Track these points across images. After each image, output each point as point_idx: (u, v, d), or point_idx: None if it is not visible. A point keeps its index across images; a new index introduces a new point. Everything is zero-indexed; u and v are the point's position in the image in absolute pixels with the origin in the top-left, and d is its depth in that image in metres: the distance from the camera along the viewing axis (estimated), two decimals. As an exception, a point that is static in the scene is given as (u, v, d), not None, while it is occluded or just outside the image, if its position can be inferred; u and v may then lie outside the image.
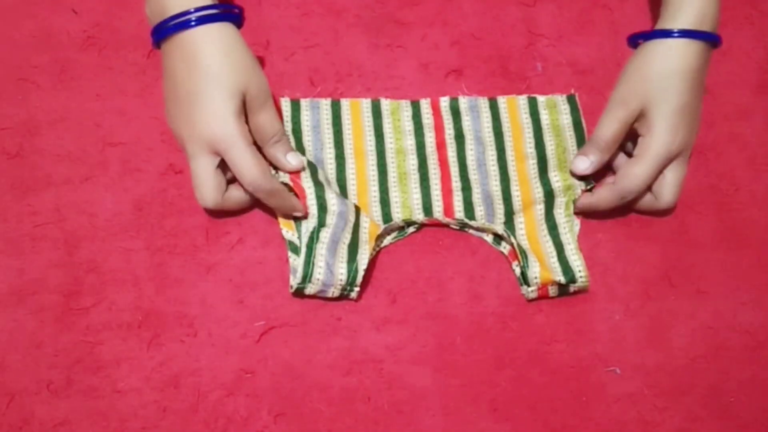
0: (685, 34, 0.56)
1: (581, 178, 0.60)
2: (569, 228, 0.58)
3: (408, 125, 0.62)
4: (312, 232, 0.56)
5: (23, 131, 0.61)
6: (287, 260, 0.57)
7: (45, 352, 0.55)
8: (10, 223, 0.58)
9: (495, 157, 0.61)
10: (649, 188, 0.58)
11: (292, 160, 0.57)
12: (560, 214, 0.59)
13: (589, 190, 0.60)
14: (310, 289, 0.55)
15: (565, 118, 0.63)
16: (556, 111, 0.63)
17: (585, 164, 0.58)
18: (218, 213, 0.58)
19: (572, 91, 0.64)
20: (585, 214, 0.60)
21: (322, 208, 0.57)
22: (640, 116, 0.57)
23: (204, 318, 0.56)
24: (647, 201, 0.59)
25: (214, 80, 0.52)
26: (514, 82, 0.65)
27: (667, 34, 0.56)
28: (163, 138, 0.61)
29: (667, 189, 0.58)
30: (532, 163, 0.61)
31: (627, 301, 0.58)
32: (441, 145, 0.62)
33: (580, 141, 0.62)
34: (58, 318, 0.56)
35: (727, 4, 0.68)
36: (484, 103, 0.63)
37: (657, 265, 0.59)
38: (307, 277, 0.55)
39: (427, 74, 0.65)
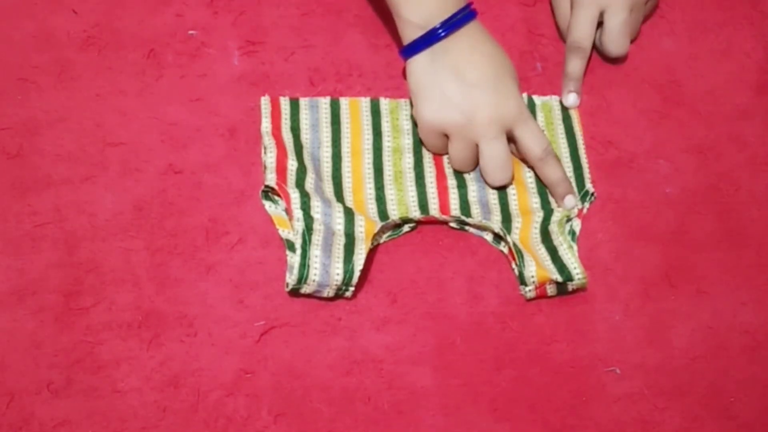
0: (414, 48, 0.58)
1: (580, 188, 0.60)
2: (560, 232, 0.58)
3: (406, 124, 0.62)
4: (303, 235, 0.56)
5: (23, 131, 0.61)
6: (287, 261, 0.58)
7: (45, 352, 0.55)
8: (10, 223, 0.58)
9: None
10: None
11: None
12: (554, 226, 0.59)
13: (588, 200, 0.60)
14: (305, 290, 0.55)
15: (559, 127, 0.63)
16: (551, 116, 0.63)
17: (572, 99, 0.64)
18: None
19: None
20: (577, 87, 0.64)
21: (308, 214, 0.57)
22: None
23: (204, 318, 0.56)
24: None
25: (504, 66, 0.59)
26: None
27: None
28: (163, 138, 0.61)
29: (608, 36, 0.64)
30: (527, 168, 0.61)
31: (627, 301, 0.58)
32: None
33: (573, 150, 0.62)
34: (58, 318, 0.56)
35: (727, 4, 0.68)
36: None
37: (657, 265, 0.59)
38: (302, 278, 0.55)
39: (427, 74, 0.64)
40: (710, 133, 0.64)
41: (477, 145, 0.58)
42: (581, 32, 0.63)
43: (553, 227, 0.59)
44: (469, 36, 0.58)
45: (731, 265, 0.60)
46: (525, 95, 0.64)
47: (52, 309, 0.56)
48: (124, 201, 0.59)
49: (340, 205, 0.58)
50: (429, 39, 0.57)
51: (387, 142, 0.62)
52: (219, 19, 0.66)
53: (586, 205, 0.61)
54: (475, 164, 0.60)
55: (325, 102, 0.63)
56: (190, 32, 0.64)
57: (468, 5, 0.58)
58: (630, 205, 0.61)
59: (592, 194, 0.61)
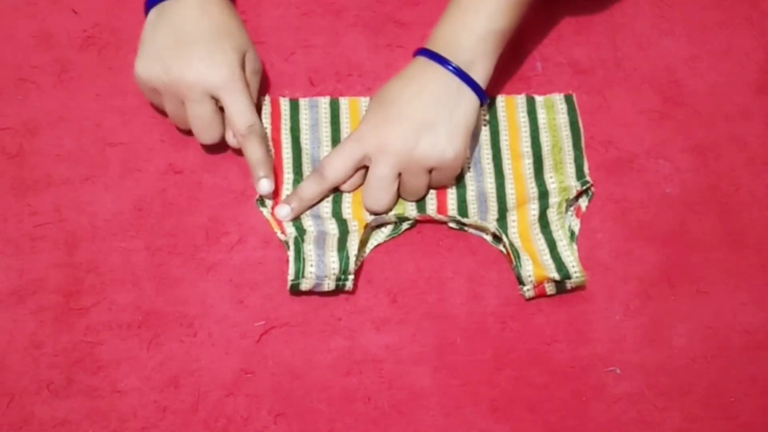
0: (428, 54, 0.57)
1: (579, 177, 0.60)
2: (561, 225, 0.58)
3: None
4: (296, 239, 0.56)
5: (23, 131, 0.61)
6: (287, 260, 0.58)
7: (45, 352, 0.55)
8: (10, 223, 0.58)
9: (490, 156, 0.61)
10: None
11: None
12: (553, 212, 0.59)
13: (585, 191, 0.60)
14: (305, 285, 0.55)
15: (562, 118, 0.63)
16: (553, 111, 0.63)
17: (284, 211, 0.58)
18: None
19: (570, 92, 0.64)
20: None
21: (300, 228, 0.57)
22: None
23: (204, 318, 0.56)
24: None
25: (225, 33, 0.56)
26: (514, 82, 0.65)
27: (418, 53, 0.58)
28: (163, 138, 0.61)
29: (365, 187, 0.58)
30: (528, 163, 0.61)
31: (627, 301, 0.58)
32: None
33: (576, 140, 0.62)
34: (58, 318, 0.56)
35: (727, 4, 0.68)
36: None
37: (657, 265, 0.59)
38: (299, 272, 0.55)
39: (427, 74, 0.64)
40: (710, 133, 0.64)
41: (186, 105, 0.57)
42: (332, 163, 0.57)
43: (552, 215, 0.58)
44: None
45: (731, 265, 0.60)
46: (524, 95, 0.64)
47: (52, 309, 0.56)
48: (124, 201, 0.59)
49: (333, 219, 0.58)
50: None
51: None
52: (219, 19, 0.66)
53: (585, 202, 0.61)
54: (185, 125, 0.59)
55: (324, 102, 0.63)
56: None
57: None
58: (630, 205, 0.61)
59: (590, 186, 0.60)
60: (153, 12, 0.57)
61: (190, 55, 0.55)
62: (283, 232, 0.58)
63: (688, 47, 0.67)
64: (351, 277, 0.56)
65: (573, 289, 0.58)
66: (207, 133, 0.58)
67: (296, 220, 0.58)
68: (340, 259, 0.55)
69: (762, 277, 0.60)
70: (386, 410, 0.55)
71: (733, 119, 0.65)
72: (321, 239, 0.56)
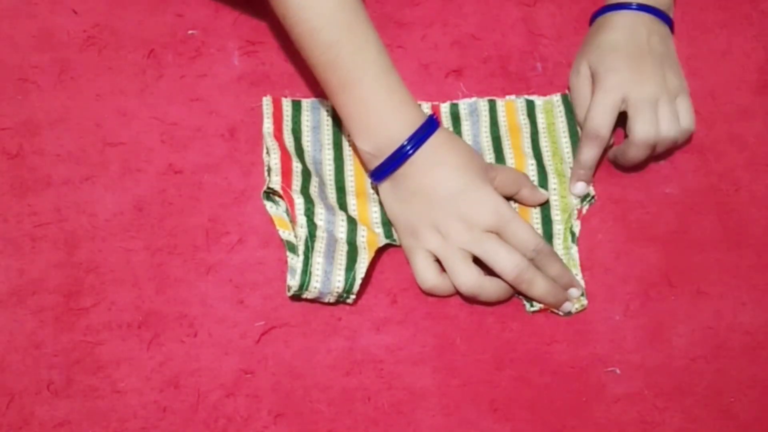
0: (647, 9, 0.61)
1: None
2: (566, 255, 0.58)
3: None
4: (306, 241, 0.56)
5: (23, 131, 0.61)
6: (287, 260, 0.57)
7: (45, 352, 0.55)
8: (10, 223, 0.58)
9: (493, 160, 0.61)
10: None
11: (542, 192, 0.60)
12: (558, 244, 0.59)
13: (588, 201, 0.60)
14: (306, 296, 0.55)
15: (561, 123, 0.63)
16: (552, 115, 0.63)
17: (580, 188, 0.60)
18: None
19: (566, 91, 0.64)
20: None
21: (311, 221, 0.57)
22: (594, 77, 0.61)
23: (204, 318, 0.56)
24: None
25: (472, 171, 0.55)
26: (514, 82, 0.65)
27: (629, 6, 0.61)
28: (163, 138, 0.61)
29: (681, 116, 0.60)
30: (531, 164, 0.61)
31: (627, 301, 0.58)
32: None
33: (574, 142, 0.62)
34: (58, 318, 0.56)
35: (727, 4, 0.68)
36: (483, 106, 0.63)
37: (657, 266, 0.59)
38: (304, 285, 0.55)
39: (427, 74, 0.65)
40: (710, 133, 0.64)
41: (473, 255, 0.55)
42: (599, 120, 0.59)
43: (558, 248, 0.59)
44: (432, 152, 0.55)
45: (731, 265, 0.60)
46: (524, 97, 0.64)
47: (52, 309, 0.56)
48: (124, 201, 0.59)
49: (343, 213, 0.58)
50: (386, 170, 0.56)
51: None
52: (219, 19, 0.66)
53: (586, 206, 0.61)
54: (481, 278, 0.55)
55: (327, 103, 0.63)
56: (190, 32, 0.64)
57: (430, 120, 0.55)
58: (630, 205, 0.61)
59: (593, 196, 0.61)
60: (386, 186, 0.57)
61: (453, 206, 0.54)
62: (292, 220, 0.57)
63: (688, 47, 0.67)
64: (353, 296, 0.56)
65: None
66: (510, 262, 0.54)
67: (309, 210, 0.57)
68: (347, 280, 0.55)
69: (762, 277, 0.60)
70: (386, 410, 0.55)
71: (733, 119, 0.65)
72: (331, 249, 0.56)
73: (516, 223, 0.55)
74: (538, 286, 0.55)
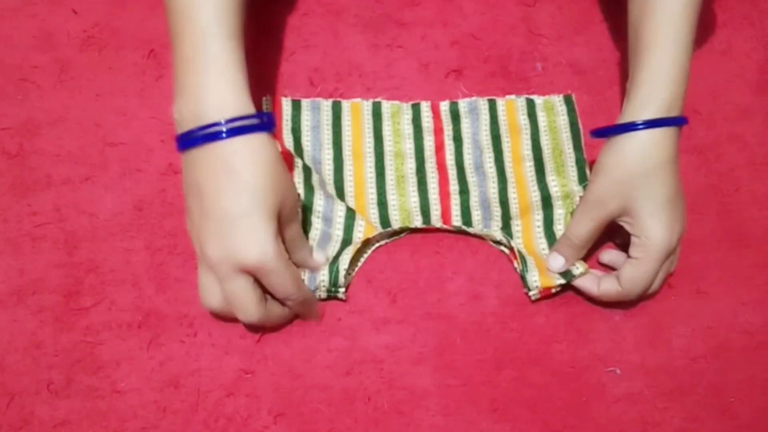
0: (654, 123, 0.52)
1: (581, 180, 0.60)
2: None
3: (408, 129, 0.62)
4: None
5: (23, 131, 0.61)
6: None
7: (45, 352, 0.55)
8: (10, 223, 0.58)
9: (492, 159, 0.62)
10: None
11: (318, 257, 0.56)
12: (560, 230, 0.59)
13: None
14: None
15: (562, 120, 0.63)
16: (553, 113, 0.63)
17: (559, 264, 0.57)
18: (258, 328, 0.55)
19: (569, 92, 0.64)
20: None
21: (308, 209, 0.57)
22: (624, 215, 0.54)
23: (204, 318, 0.56)
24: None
25: (255, 201, 0.48)
26: (514, 82, 0.65)
27: (635, 126, 0.53)
28: (163, 138, 0.61)
29: (657, 282, 0.56)
30: (529, 165, 0.61)
31: (627, 301, 0.58)
32: (439, 149, 0.62)
33: (576, 142, 0.62)
34: (58, 318, 0.56)
35: (727, 4, 0.68)
36: (483, 104, 0.63)
37: (657, 265, 0.59)
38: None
39: (427, 74, 0.65)
40: (710, 133, 0.64)
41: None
42: (642, 287, 0.55)
43: (558, 230, 0.59)
44: (249, 149, 0.48)
45: (731, 265, 0.60)
46: (524, 96, 0.64)
47: (52, 309, 0.56)
48: (124, 201, 0.59)
49: (343, 204, 0.58)
50: (205, 137, 0.48)
51: (388, 147, 0.62)
52: (219, 19, 0.66)
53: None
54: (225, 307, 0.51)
55: (326, 104, 0.63)
56: (190, 32, 0.64)
57: (260, 116, 0.49)
58: (630, 205, 0.61)
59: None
60: (185, 157, 0.50)
61: (208, 228, 0.49)
62: None
63: (688, 47, 0.67)
64: (342, 289, 0.56)
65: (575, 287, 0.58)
66: (246, 313, 0.51)
67: (308, 199, 0.58)
68: (330, 272, 0.55)
69: (762, 277, 0.60)
70: (386, 410, 0.55)
71: (733, 119, 0.65)
72: (323, 244, 0.56)
73: (277, 275, 0.49)
74: (296, 309, 0.54)
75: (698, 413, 0.56)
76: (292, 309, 0.54)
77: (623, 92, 0.65)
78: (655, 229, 0.53)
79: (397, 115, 0.63)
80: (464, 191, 0.60)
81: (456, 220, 0.59)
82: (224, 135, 0.48)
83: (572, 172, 0.61)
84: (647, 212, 0.53)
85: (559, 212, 0.59)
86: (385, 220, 0.59)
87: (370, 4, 0.67)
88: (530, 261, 0.57)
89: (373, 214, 0.59)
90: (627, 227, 0.55)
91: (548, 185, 0.60)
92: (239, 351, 0.56)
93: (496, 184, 0.61)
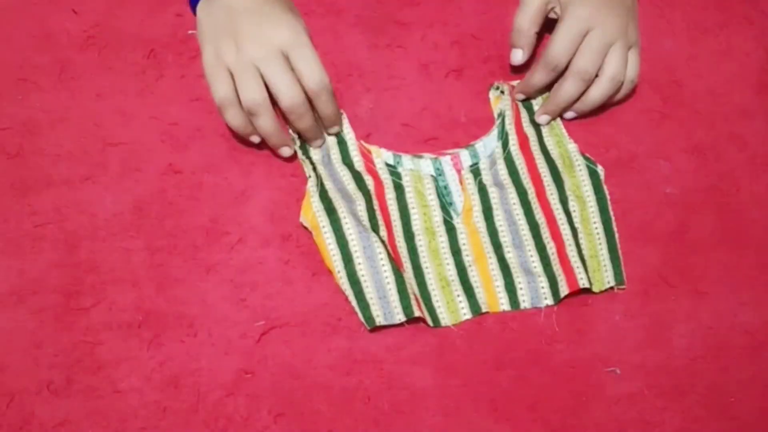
0: None
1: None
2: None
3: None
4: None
5: (23, 131, 0.61)
6: (287, 261, 0.58)
7: (45, 352, 0.55)
8: (10, 223, 0.58)
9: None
10: (592, 72, 0.59)
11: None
12: (577, 222, 0.59)
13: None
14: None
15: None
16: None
17: (518, 56, 0.61)
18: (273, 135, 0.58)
19: (599, 168, 0.61)
20: (529, 95, 0.62)
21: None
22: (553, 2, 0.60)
23: (204, 318, 0.56)
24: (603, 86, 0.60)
25: (279, 3, 0.57)
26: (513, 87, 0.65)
27: None
28: (163, 138, 0.61)
29: (629, 66, 0.60)
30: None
31: (627, 301, 0.58)
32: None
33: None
34: (58, 318, 0.56)
35: (727, 4, 0.68)
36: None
37: (657, 266, 0.59)
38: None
39: (427, 74, 0.65)
40: (710, 133, 0.64)
41: (261, 73, 0.56)
42: (561, 49, 0.58)
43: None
44: None
45: (731, 265, 0.60)
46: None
47: (52, 309, 0.56)
48: (124, 201, 0.59)
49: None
50: None
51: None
52: (219, 19, 0.66)
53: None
54: (268, 106, 0.56)
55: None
56: (190, 32, 0.64)
57: None
58: (630, 205, 0.61)
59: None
60: (202, 5, 0.58)
61: (256, 21, 0.56)
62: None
63: (688, 47, 0.67)
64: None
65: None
66: (290, 91, 0.56)
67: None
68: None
69: (762, 277, 0.60)
70: (386, 410, 0.55)
71: (733, 119, 0.65)
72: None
73: (308, 51, 0.56)
74: (304, 122, 0.57)
75: (698, 413, 0.56)
76: (316, 103, 0.57)
77: (623, 92, 0.65)
78: (568, 5, 0.59)
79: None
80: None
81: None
82: None
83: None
84: None
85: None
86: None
87: (370, 4, 0.67)
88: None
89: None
90: (556, 15, 0.60)
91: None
92: (239, 351, 0.56)
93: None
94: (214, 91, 0.56)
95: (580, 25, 0.58)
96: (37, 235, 0.58)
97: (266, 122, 0.56)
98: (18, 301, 0.56)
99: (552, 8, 0.61)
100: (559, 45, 0.58)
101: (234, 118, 0.57)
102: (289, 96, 0.55)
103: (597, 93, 0.60)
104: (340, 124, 0.60)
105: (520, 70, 0.64)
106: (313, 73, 0.56)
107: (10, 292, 0.56)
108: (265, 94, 0.56)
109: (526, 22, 0.60)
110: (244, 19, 0.56)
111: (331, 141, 0.61)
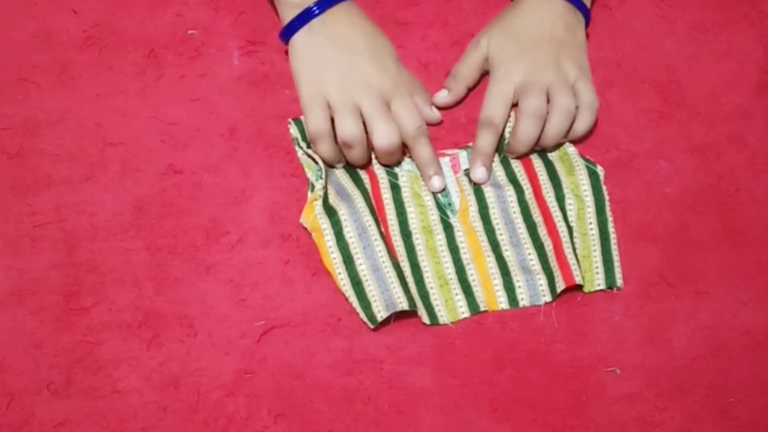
0: None
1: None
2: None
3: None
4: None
5: (23, 131, 0.61)
6: (287, 261, 0.58)
7: (45, 352, 0.55)
8: (10, 223, 0.58)
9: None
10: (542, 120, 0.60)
11: (436, 110, 0.63)
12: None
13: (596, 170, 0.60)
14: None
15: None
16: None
17: (443, 95, 0.63)
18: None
19: (599, 169, 0.61)
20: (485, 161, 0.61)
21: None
22: (489, 55, 0.62)
23: (204, 318, 0.56)
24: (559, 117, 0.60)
25: (382, 43, 0.60)
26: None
27: None
28: (163, 138, 0.61)
29: (580, 95, 0.61)
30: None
31: (627, 301, 0.58)
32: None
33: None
34: (58, 318, 0.56)
35: (727, 4, 0.68)
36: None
37: (657, 266, 0.59)
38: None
39: (427, 74, 0.65)
40: (710, 133, 0.64)
41: (361, 116, 0.58)
42: (492, 109, 0.60)
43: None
44: (346, 12, 0.60)
45: (731, 265, 0.60)
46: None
47: (52, 309, 0.56)
48: (124, 201, 0.59)
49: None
50: (304, 17, 0.59)
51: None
52: (219, 19, 0.66)
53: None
54: (365, 141, 0.58)
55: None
56: (190, 32, 0.64)
57: None
58: (630, 205, 0.61)
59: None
60: (301, 35, 0.60)
61: (361, 61, 0.58)
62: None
63: (688, 47, 0.67)
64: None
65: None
66: (389, 134, 0.57)
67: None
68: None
69: (762, 277, 0.60)
70: (386, 410, 0.55)
71: (733, 119, 0.65)
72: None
73: (409, 100, 0.59)
74: (427, 149, 0.59)
75: (698, 413, 0.56)
76: (413, 147, 0.59)
77: (623, 92, 0.65)
78: (501, 53, 0.61)
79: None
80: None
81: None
82: (316, 12, 0.59)
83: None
84: (498, 42, 0.62)
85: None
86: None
87: (370, 4, 0.66)
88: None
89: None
90: (491, 65, 0.62)
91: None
92: (239, 351, 0.56)
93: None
94: (310, 121, 0.58)
95: (506, 86, 0.60)
96: (37, 235, 0.58)
97: (359, 154, 0.58)
98: (18, 301, 0.56)
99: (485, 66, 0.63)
100: (490, 107, 0.60)
101: (326, 151, 0.58)
102: (387, 138, 0.57)
103: (552, 126, 0.60)
104: (438, 166, 0.60)
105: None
106: (414, 119, 0.58)
107: (10, 292, 0.56)
108: (363, 132, 0.58)
109: (489, 146, 0.60)
110: (349, 58, 0.58)
111: None
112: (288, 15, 0.60)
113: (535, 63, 0.60)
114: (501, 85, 0.60)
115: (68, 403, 0.54)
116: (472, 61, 0.63)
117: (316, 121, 0.58)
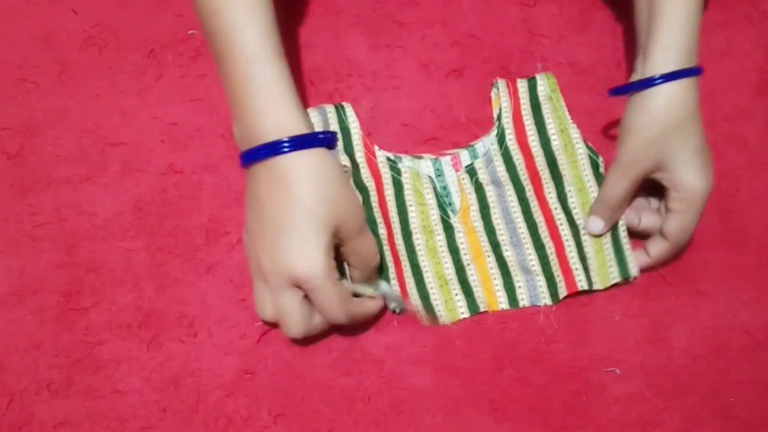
0: (674, 76, 0.53)
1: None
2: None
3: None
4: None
5: (23, 131, 0.61)
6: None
7: (45, 352, 0.55)
8: (10, 223, 0.58)
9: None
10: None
11: (369, 301, 0.55)
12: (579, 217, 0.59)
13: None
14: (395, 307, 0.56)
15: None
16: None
17: (599, 226, 0.58)
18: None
19: (600, 160, 0.61)
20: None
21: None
22: (659, 170, 0.56)
23: (204, 318, 0.56)
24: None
25: (307, 214, 0.49)
26: (514, 82, 0.65)
27: (654, 81, 0.54)
28: (163, 138, 0.61)
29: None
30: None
31: (627, 301, 0.58)
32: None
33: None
34: (58, 318, 0.56)
35: (727, 4, 0.68)
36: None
37: (657, 266, 0.59)
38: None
39: (427, 74, 0.65)
40: (710, 133, 0.64)
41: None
42: (689, 237, 0.57)
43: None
44: (284, 169, 0.49)
45: (731, 265, 0.60)
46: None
47: (52, 309, 0.56)
48: (124, 201, 0.59)
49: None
50: (271, 150, 0.49)
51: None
52: (219, 19, 0.66)
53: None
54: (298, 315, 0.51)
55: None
56: (190, 32, 0.64)
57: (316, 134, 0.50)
58: (630, 205, 0.61)
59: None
60: (247, 176, 0.52)
61: (266, 241, 0.50)
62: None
63: (688, 47, 0.67)
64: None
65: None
66: (295, 327, 0.51)
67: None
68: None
69: (762, 277, 0.60)
70: (386, 410, 0.55)
71: (733, 119, 0.65)
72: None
73: (323, 292, 0.50)
74: (318, 331, 0.53)
75: (698, 413, 0.56)
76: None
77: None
78: (693, 179, 0.55)
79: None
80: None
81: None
82: (285, 149, 0.49)
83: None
84: (683, 164, 0.55)
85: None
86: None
87: (370, 4, 0.67)
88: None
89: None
90: (664, 182, 0.56)
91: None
92: (239, 351, 0.56)
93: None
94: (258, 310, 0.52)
95: (704, 202, 0.56)
96: (37, 235, 0.58)
97: (321, 322, 0.52)
98: (18, 301, 0.56)
99: (656, 176, 0.56)
100: (689, 232, 0.56)
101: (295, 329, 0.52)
102: (303, 328, 0.51)
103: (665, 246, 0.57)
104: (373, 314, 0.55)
105: (522, 75, 0.64)
106: (333, 315, 0.51)
107: (10, 292, 0.56)
108: (276, 314, 0.51)
109: (620, 193, 0.56)
110: (267, 237, 0.50)
111: (335, 130, 0.61)
112: (256, 138, 0.50)
113: (710, 176, 0.57)
114: (690, 214, 0.56)
115: (68, 403, 0.54)
116: (631, 183, 0.56)
117: (261, 307, 0.52)
